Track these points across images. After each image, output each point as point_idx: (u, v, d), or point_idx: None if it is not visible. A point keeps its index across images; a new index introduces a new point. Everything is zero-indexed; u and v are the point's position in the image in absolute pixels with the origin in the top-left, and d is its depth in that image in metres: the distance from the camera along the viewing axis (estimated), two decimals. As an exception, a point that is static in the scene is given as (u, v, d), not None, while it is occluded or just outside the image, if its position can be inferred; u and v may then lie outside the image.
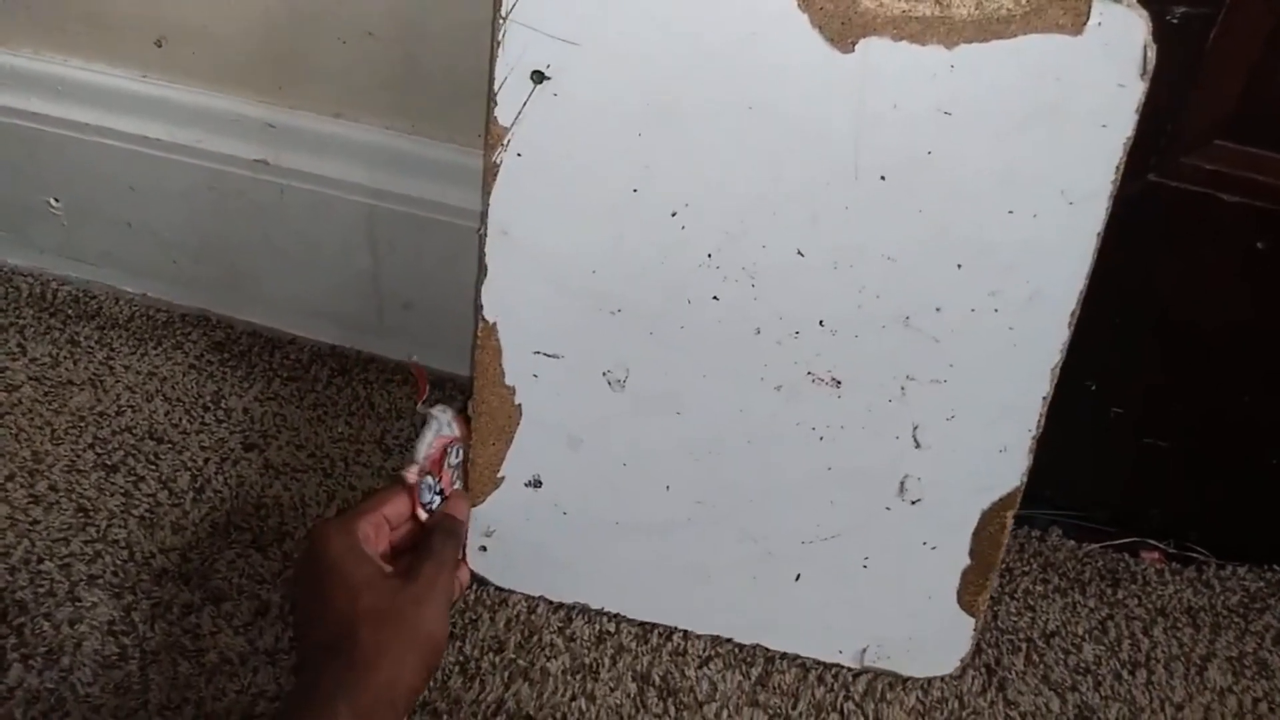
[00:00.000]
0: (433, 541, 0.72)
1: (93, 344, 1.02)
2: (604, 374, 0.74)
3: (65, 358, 1.00)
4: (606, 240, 0.69)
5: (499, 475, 0.79)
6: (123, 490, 0.89)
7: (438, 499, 0.76)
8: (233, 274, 1.04)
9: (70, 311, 1.05)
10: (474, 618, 0.83)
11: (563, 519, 0.80)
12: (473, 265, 0.72)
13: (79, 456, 0.91)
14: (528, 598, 0.85)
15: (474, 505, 0.80)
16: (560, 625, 0.83)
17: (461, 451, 0.78)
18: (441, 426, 0.77)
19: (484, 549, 0.82)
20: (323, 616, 0.65)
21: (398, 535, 0.74)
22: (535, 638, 0.83)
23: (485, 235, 0.70)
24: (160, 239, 1.03)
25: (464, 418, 0.78)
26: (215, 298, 1.06)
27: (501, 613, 0.84)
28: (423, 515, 0.75)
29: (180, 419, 0.95)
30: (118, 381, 0.98)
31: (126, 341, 1.02)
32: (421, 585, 0.67)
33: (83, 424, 0.94)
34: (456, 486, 0.79)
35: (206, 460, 0.92)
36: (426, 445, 0.76)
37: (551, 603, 0.85)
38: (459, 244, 0.91)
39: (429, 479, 0.75)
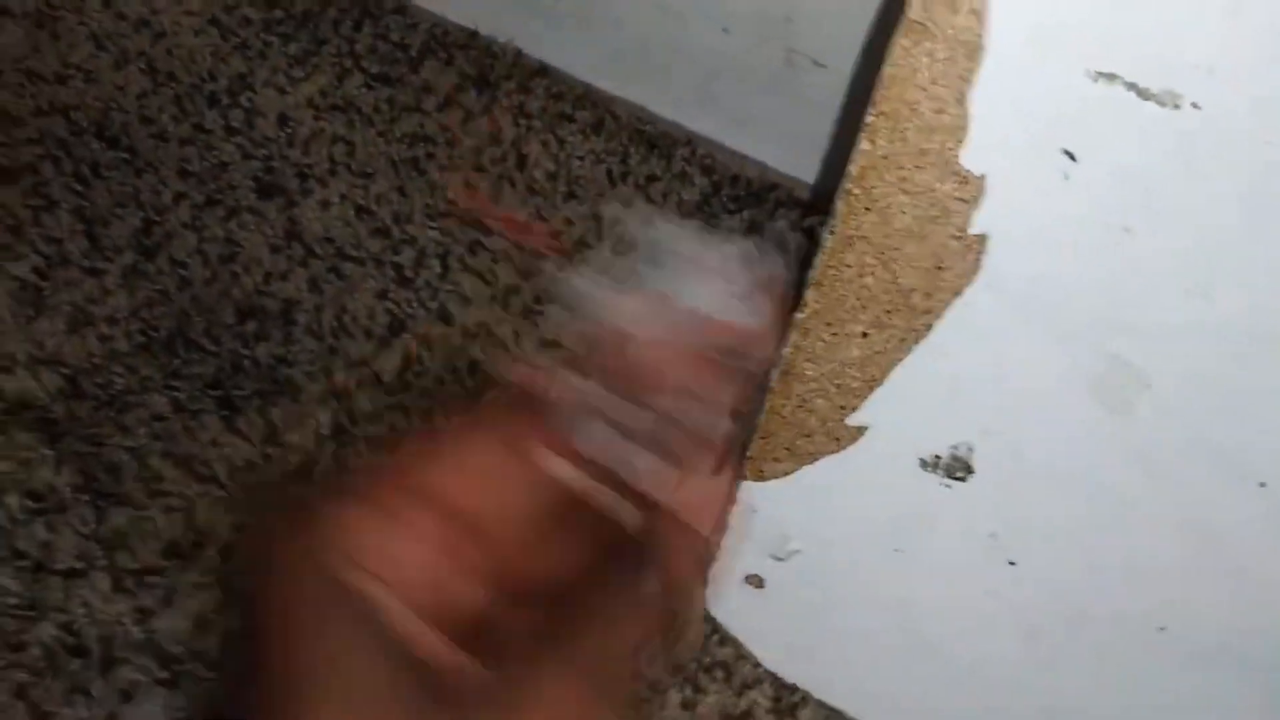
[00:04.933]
0: (621, 584, 0.31)
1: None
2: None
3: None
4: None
5: (852, 424, 0.45)
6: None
7: (656, 469, 0.33)
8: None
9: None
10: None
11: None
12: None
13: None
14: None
15: (756, 477, 0.43)
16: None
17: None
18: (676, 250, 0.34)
19: (760, 584, 0.51)
20: None
21: (527, 561, 0.33)
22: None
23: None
24: None
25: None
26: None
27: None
28: (593, 493, 0.32)
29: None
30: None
31: None
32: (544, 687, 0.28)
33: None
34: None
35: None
36: (630, 314, 0.33)
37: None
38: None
39: (619, 405, 0.33)
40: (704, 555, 0.34)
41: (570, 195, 0.69)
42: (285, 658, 0.28)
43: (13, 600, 0.57)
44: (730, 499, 0.35)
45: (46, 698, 0.55)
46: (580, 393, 0.32)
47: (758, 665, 0.56)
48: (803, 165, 0.70)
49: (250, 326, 0.64)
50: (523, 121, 0.72)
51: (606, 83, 0.73)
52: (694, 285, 0.33)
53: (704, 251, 0.34)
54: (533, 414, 0.32)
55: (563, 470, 0.32)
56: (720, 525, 0.34)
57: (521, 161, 0.70)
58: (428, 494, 0.31)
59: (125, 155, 0.70)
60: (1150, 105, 0.37)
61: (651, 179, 0.70)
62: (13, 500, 0.59)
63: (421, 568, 0.30)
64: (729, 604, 0.56)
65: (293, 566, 0.29)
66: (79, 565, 0.57)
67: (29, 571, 0.57)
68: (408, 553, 0.30)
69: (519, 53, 0.74)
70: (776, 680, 0.56)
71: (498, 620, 0.32)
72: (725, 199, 0.69)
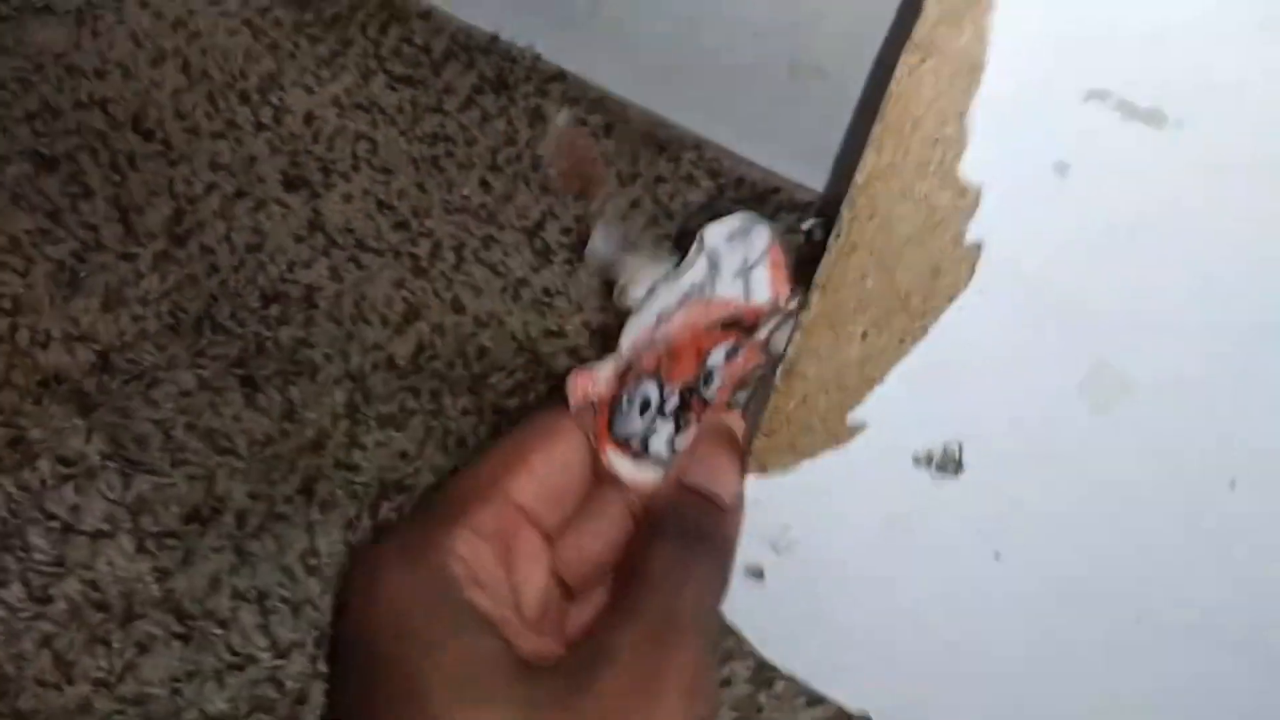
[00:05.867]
0: (661, 553, 0.34)
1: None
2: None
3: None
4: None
5: (851, 422, 0.47)
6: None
7: (671, 437, 0.36)
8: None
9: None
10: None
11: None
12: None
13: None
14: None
15: (758, 472, 0.45)
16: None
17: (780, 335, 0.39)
18: (719, 262, 0.37)
19: (759, 575, 0.53)
20: None
21: (578, 545, 0.37)
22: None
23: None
24: None
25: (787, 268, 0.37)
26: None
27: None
28: (634, 476, 0.36)
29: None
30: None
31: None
32: (631, 681, 0.30)
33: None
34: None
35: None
36: (659, 309, 0.36)
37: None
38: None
39: (648, 387, 0.35)
40: (722, 516, 0.37)
41: (581, 195, 0.72)
42: (406, 666, 0.30)
43: (41, 557, 0.60)
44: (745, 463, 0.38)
45: (69, 648, 0.58)
46: (626, 385, 0.36)
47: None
48: (804, 170, 0.73)
49: (274, 310, 0.67)
50: (538, 124, 0.74)
51: (621, 89, 0.76)
52: (693, 275, 0.38)
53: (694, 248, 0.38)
54: (595, 415, 0.36)
55: (623, 466, 0.37)
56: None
57: (535, 162, 0.73)
58: (514, 506, 0.35)
59: (160, 148, 0.72)
60: (1137, 123, 0.40)
61: (659, 180, 0.73)
62: (45, 465, 0.62)
63: (514, 578, 0.34)
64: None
65: (406, 590, 0.32)
66: (105, 527, 0.60)
67: (58, 532, 0.60)
68: (500, 566, 0.34)
69: (537, 57, 0.77)
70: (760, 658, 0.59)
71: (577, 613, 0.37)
72: (730, 200, 0.72)
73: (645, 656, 0.31)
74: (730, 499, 0.38)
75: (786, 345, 0.49)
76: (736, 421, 0.39)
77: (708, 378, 0.37)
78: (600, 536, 0.37)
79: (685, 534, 0.35)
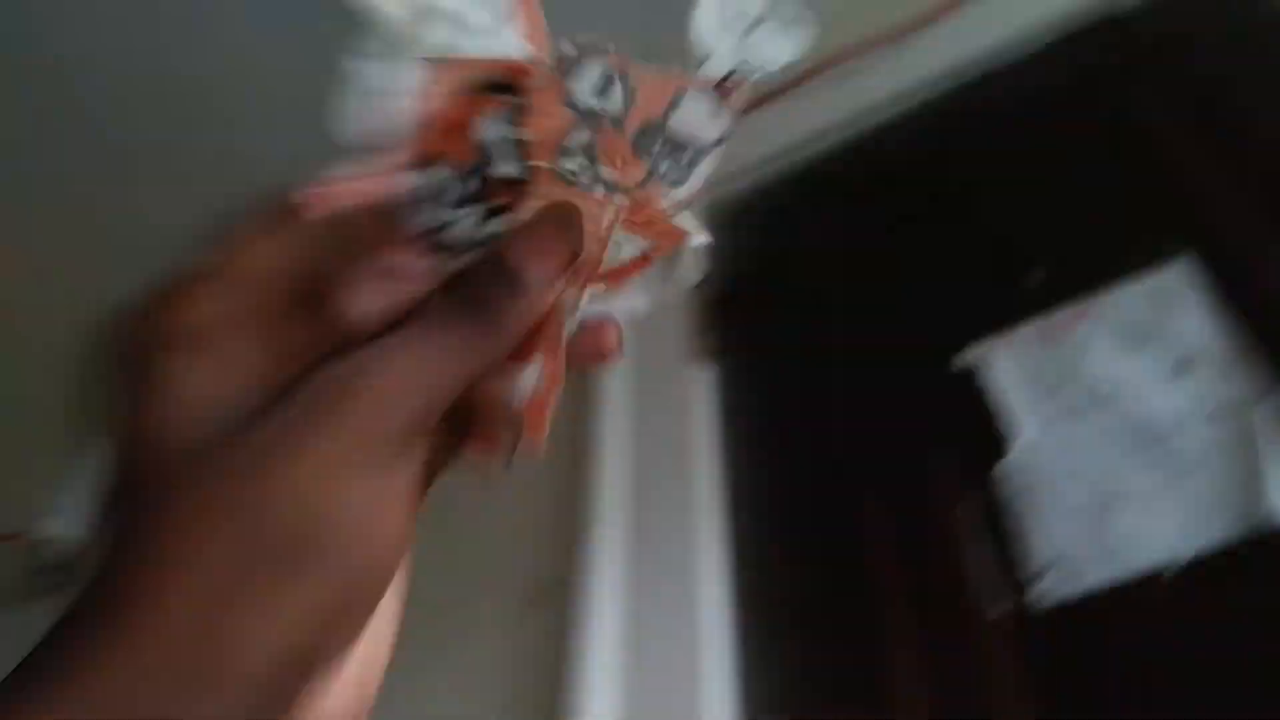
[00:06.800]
0: (418, 309, 0.30)
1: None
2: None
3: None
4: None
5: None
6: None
7: (480, 221, 0.31)
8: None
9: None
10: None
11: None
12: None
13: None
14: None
15: None
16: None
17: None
18: None
19: None
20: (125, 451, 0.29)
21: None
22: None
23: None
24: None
25: None
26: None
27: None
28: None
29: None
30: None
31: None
32: (276, 432, 0.27)
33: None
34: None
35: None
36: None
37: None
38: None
39: (436, 176, 0.31)
40: (511, 293, 0.31)
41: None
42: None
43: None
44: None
45: None
46: (402, 182, 0.31)
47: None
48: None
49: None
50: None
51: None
52: (441, 33, 0.31)
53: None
54: (377, 222, 0.31)
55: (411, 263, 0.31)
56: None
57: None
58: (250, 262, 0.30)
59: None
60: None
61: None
62: None
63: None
64: None
65: (127, 328, 0.30)
66: None
67: None
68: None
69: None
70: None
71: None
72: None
73: (311, 405, 0.28)
74: (534, 279, 0.30)
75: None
76: (574, 197, 0.32)
77: (488, 152, 0.31)
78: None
79: (454, 295, 0.30)
